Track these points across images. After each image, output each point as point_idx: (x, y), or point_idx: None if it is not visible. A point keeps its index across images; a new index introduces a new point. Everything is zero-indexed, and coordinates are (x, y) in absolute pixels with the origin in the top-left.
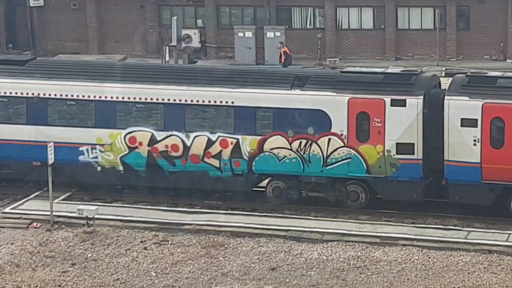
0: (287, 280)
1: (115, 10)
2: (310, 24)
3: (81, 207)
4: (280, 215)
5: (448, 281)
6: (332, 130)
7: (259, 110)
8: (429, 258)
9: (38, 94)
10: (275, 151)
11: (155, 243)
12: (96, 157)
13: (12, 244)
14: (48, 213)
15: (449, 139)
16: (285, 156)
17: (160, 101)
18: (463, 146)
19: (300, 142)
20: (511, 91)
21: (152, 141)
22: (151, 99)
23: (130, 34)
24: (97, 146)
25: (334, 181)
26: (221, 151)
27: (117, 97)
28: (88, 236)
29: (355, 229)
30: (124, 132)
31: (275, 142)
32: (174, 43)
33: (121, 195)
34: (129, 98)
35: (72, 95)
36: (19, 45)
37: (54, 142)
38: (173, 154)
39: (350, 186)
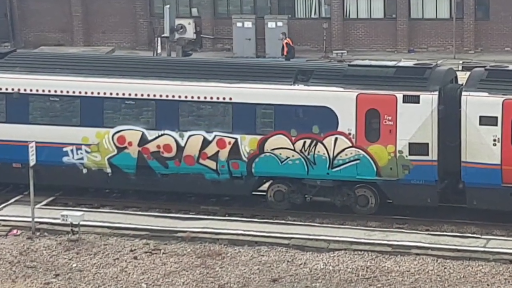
0: None
1: None
2: (315, 13)
3: (65, 213)
4: (283, 221)
5: None
6: (339, 129)
7: (259, 107)
8: (444, 268)
9: (19, 89)
10: (276, 151)
11: (146, 252)
12: (82, 158)
13: None
14: (29, 219)
15: (466, 139)
16: (288, 157)
17: (151, 97)
18: (481, 146)
19: (304, 142)
20: None
21: (143, 141)
22: (142, 95)
23: (118, 24)
24: (83, 146)
25: (341, 185)
26: (218, 151)
27: (105, 93)
28: (73, 245)
29: (364, 237)
30: (112, 131)
31: (277, 142)
32: (166, 34)
33: (109, 199)
34: (117, 94)
35: (55, 91)
36: None
37: (36, 142)
38: (166, 155)
39: (358, 190)
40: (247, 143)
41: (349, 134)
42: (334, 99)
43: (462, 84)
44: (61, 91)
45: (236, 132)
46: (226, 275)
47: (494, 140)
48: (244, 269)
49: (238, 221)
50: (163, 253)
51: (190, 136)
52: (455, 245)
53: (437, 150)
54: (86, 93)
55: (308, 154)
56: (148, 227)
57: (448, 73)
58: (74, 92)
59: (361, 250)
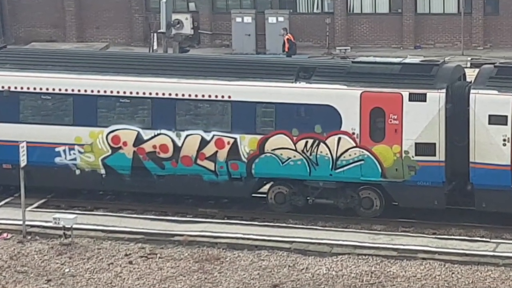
0: None
1: None
2: (317, 8)
3: (57, 215)
4: (284, 224)
5: None
6: (343, 129)
7: (260, 105)
8: (452, 273)
9: (9, 87)
10: (277, 152)
11: (142, 257)
12: (75, 159)
13: None
14: (20, 222)
15: (475, 139)
16: (289, 158)
17: (147, 95)
18: (491, 146)
19: (306, 142)
20: None
21: (138, 140)
22: (137, 93)
23: (113, 19)
24: (76, 147)
25: (345, 186)
26: (216, 152)
27: (99, 91)
28: (66, 249)
29: (369, 241)
30: (106, 130)
31: (278, 142)
32: (163, 29)
33: (102, 202)
34: (112, 92)
35: (47, 89)
36: None
37: (27, 142)
38: (162, 155)
39: (363, 191)
40: (246, 143)
41: (353, 133)
42: (337, 97)
43: (470, 82)
44: (53, 89)
45: (235, 132)
46: (225, 280)
47: (504, 140)
48: (244, 274)
49: (237, 224)
50: (159, 258)
51: (187, 135)
52: (463, 249)
53: (445, 150)
54: (79, 91)
55: (310, 154)
56: (143, 231)
57: (456, 70)
58: (66, 90)
59: (365, 255)
